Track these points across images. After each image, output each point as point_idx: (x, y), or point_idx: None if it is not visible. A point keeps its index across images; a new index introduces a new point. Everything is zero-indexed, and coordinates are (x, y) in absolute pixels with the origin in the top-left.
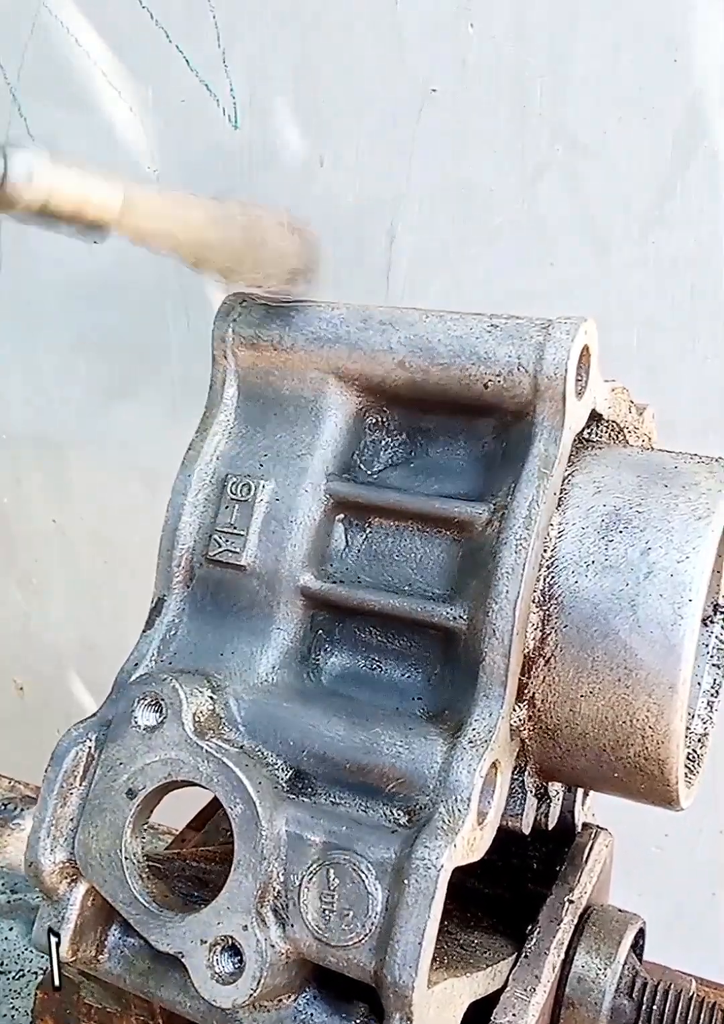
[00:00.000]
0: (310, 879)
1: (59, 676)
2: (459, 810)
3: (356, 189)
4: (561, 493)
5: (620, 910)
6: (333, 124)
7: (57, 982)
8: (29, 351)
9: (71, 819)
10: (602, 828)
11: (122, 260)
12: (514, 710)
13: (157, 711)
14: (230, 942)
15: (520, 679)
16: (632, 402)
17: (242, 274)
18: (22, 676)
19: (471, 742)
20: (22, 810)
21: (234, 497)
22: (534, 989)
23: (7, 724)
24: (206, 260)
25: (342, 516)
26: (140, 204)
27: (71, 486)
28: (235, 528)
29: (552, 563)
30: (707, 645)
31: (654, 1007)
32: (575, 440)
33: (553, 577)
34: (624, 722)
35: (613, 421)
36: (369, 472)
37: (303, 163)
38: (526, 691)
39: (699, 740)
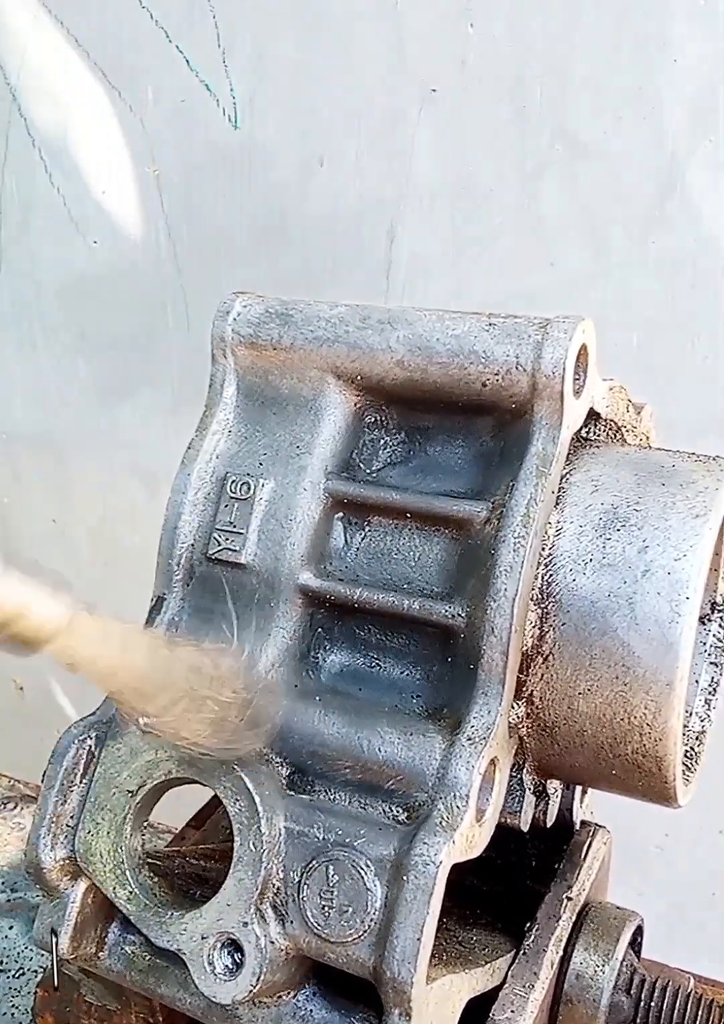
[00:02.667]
0: (309, 876)
1: (59, 676)
2: (458, 807)
3: (356, 189)
4: (559, 491)
5: (618, 907)
6: (333, 124)
7: (56, 981)
8: (29, 351)
9: (71, 817)
10: (600, 826)
11: (122, 260)
12: (512, 707)
13: None
14: (230, 939)
15: (518, 677)
16: (630, 401)
17: (167, 726)
18: (22, 676)
19: (470, 739)
20: (22, 809)
21: (234, 496)
22: (532, 986)
23: (7, 724)
24: (141, 700)
25: (341, 514)
26: (80, 633)
27: (71, 486)
28: (235, 526)
29: (550, 561)
30: (705, 643)
31: (652, 1004)
32: (573, 439)
33: (551, 575)
34: (622, 719)
35: (611, 420)
36: (368, 471)
37: (303, 163)
38: (524, 689)
39: (697, 738)
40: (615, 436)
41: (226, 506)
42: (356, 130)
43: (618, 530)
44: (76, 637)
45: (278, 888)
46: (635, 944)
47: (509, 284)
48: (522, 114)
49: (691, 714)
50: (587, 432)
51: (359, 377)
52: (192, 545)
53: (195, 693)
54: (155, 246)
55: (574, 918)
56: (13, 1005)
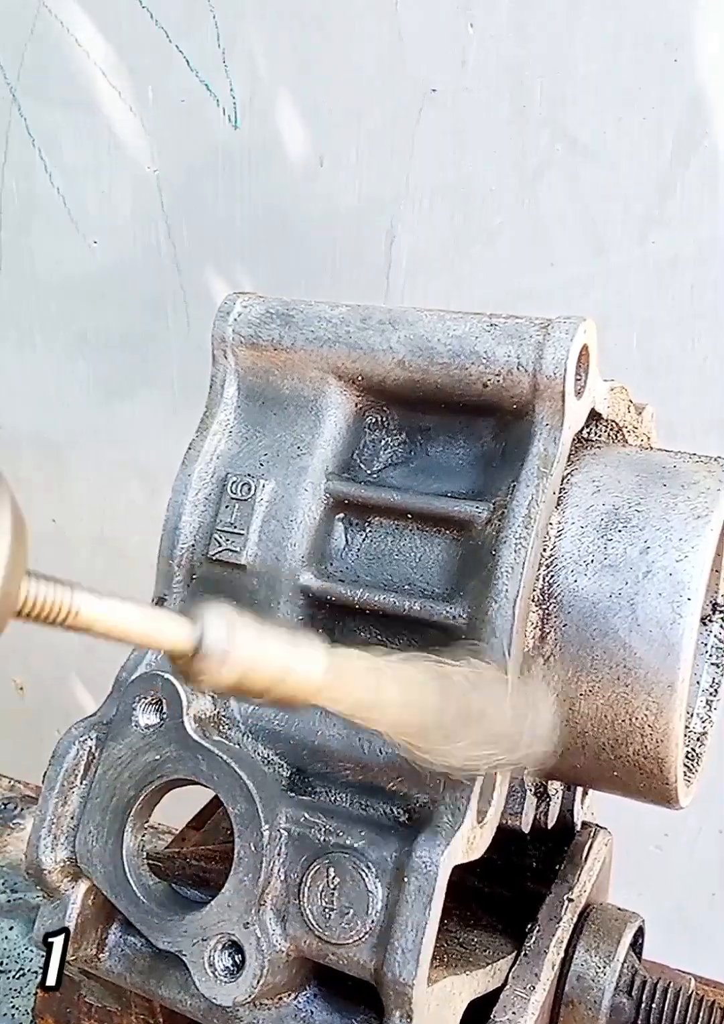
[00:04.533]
0: (310, 877)
1: (59, 676)
2: (459, 808)
3: (356, 189)
4: (560, 492)
5: (619, 909)
6: (333, 124)
7: (55, 981)
8: (29, 351)
9: (72, 818)
10: (601, 827)
11: (122, 260)
12: None
13: (158, 710)
14: (231, 940)
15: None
16: (631, 402)
17: (456, 757)
18: (22, 676)
19: None
20: (22, 810)
21: (234, 496)
22: (534, 987)
23: (7, 724)
24: (414, 734)
25: (342, 515)
26: (340, 679)
27: (71, 486)
28: (235, 527)
29: (551, 562)
30: (706, 644)
31: (653, 1005)
32: (574, 439)
33: (552, 576)
34: (623, 721)
35: (612, 420)
36: (369, 471)
37: (303, 163)
38: None
39: (698, 739)
40: (616, 437)
41: (227, 507)
42: (356, 130)
43: (620, 531)
44: (337, 689)
45: (279, 890)
46: (636, 945)
47: (509, 284)
48: (522, 114)
49: (692, 715)
50: (588, 433)
51: (360, 378)
52: (192, 546)
53: (467, 713)
54: (155, 246)
55: (575, 919)
56: (13, 1006)
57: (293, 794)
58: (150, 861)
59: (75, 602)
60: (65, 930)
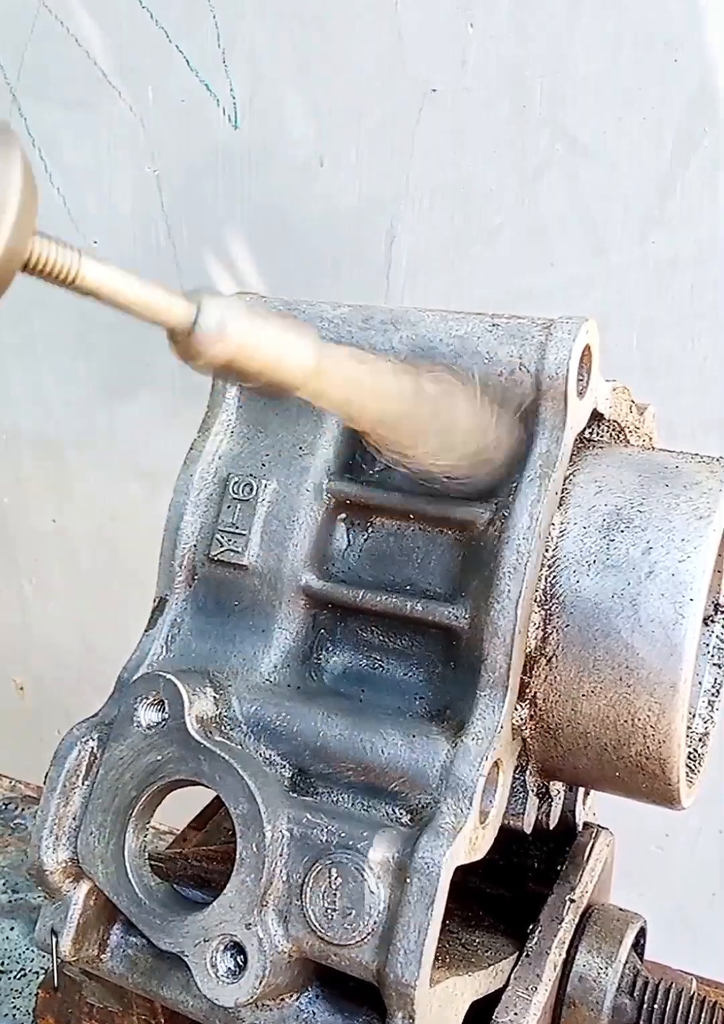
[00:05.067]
0: (312, 878)
1: (59, 676)
2: (461, 809)
3: (356, 189)
4: (563, 492)
5: (621, 909)
6: (333, 124)
7: (56, 982)
8: (29, 351)
9: (74, 818)
10: (603, 827)
11: (122, 260)
12: (516, 709)
13: (160, 710)
14: (233, 941)
15: (522, 678)
16: (633, 402)
17: (422, 455)
18: (22, 676)
19: (473, 741)
20: (23, 810)
21: (236, 497)
22: (536, 988)
23: (7, 724)
24: (387, 433)
25: (344, 516)
26: (330, 369)
27: (71, 486)
28: (237, 528)
29: (554, 562)
30: (708, 644)
31: (655, 1006)
32: (576, 440)
33: (555, 576)
34: (625, 721)
35: (614, 421)
36: (371, 472)
37: (303, 163)
38: (528, 690)
39: (700, 739)
40: (618, 437)
41: (228, 507)
42: (356, 130)
43: (622, 531)
44: (325, 375)
45: (281, 890)
46: (638, 946)
47: (509, 284)
48: (522, 114)
49: (694, 716)
50: (590, 433)
51: None
52: (194, 546)
53: (440, 417)
54: (155, 246)
55: (577, 920)
56: (14, 1006)
57: (295, 795)
58: (152, 862)
59: (82, 265)
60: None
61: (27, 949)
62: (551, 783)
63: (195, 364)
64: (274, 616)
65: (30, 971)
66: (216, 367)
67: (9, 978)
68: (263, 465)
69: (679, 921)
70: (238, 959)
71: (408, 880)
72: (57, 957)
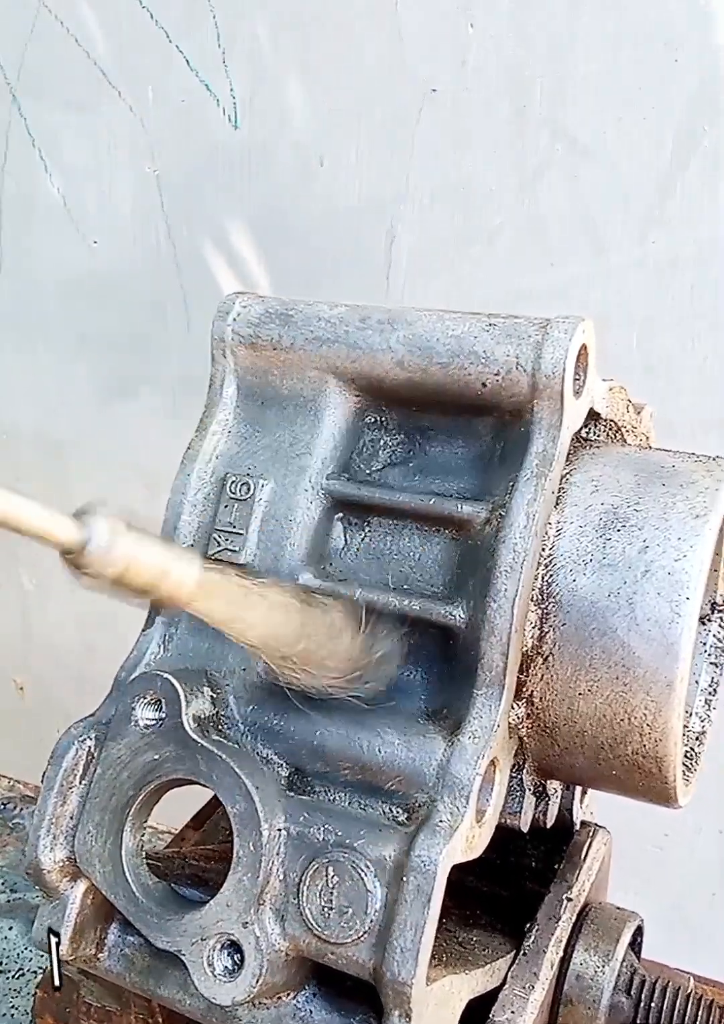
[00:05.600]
0: (309, 877)
1: (59, 676)
2: (458, 808)
3: (356, 189)
4: (559, 492)
5: (618, 908)
6: (333, 124)
7: (57, 981)
8: (29, 351)
9: (71, 817)
10: (600, 826)
11: (122, 260)
12: (512, 708)
13: (157, 709)
14: (230, 940)
15: (518, 677)
16: (630, 401)
17: (306, 669)
18: (22, 676)
19: (470, 740)
20: (22, 809)
21: (233, 496)
22: (533, 987)
23: (7, 724)
24: (275, 650)
25: (341, 515)
26: (213, 589)
27: (71, 486)
28: (234, 527)
29: (550, 561)
30: (705, 643)
31: (652, 1004)
32: (573, 439)
33: (551, 575)
34: (622, 720)
35: (611, 420)
36: (368, 471)
37: (303, 163)
38: (524, 689)
39: (697, 738)
40: (615, 436)
41: (226, 507)
42: (356, 130)
43: (618, 530)
44: (209, 594)
45: (278, 889)
46: (635, 945)
47: (509, 284)
48: (522, 114)
49: (691, 714)
50: (587, 432)
51: (359, 377)
52: (192, 546)
53: (323, 647)
54: (155, 246)
55: (574, 919)
56: (13, 1006)
57: (292, 793)
58: (149, 861)
59: None
60: (50, 931)
61: (25, 948)
62: (548, 782)
63: (84, 580)
64: None
65: (28, 970)
66: (103, 584)
67: (7, 977)
68: (260, 464)
69: (677, 920)
70: (235, 958)
71: (405, 878)
72: (55, 956)
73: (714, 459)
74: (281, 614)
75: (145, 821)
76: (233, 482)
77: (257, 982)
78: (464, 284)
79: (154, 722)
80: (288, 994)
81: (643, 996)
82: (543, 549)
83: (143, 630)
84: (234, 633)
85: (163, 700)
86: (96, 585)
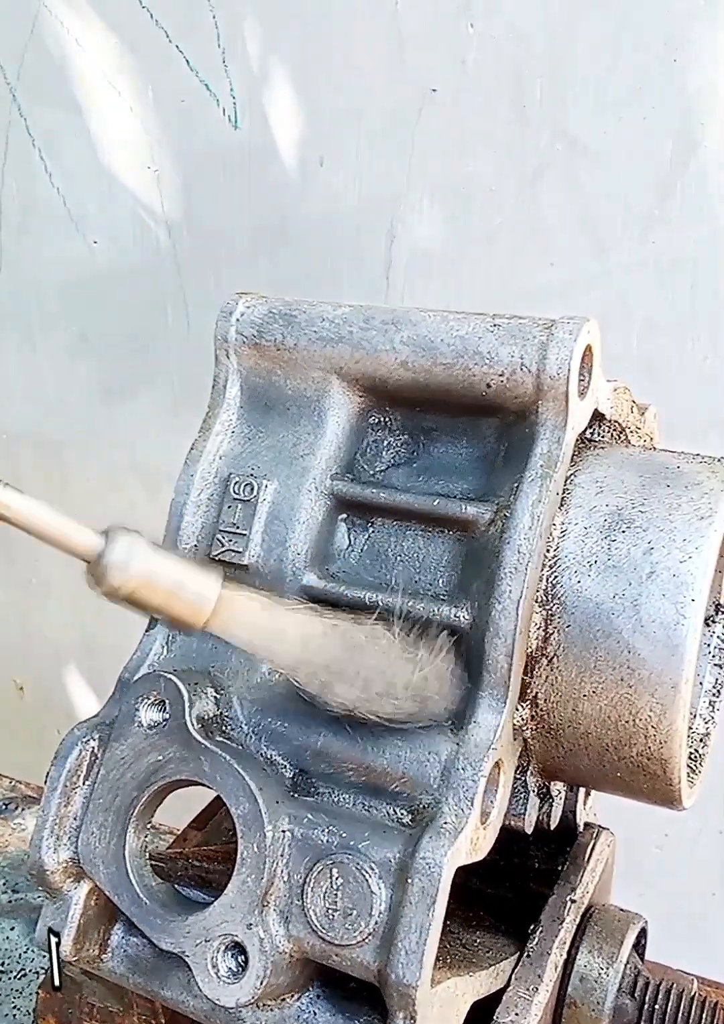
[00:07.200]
0: (313, 878)
1: (59, 676)
2: (462, 810)
3: (356, 189)
4: (564, 493)
5: (622, 910)
6: (333, 124)
7: (57, 981)
8: (29, 351)
9: (74, 818)
10: (604, 828)
11: (122, 260)
12: (517, 710)
13: (161, 710)
14: (234, 941)
15: (523, 679)
16: (634, 402)
17: (342, 690)
18: (22, 676)
19: (475, 742)
20: (23, 810)
21: (237, 497)
22: (537, 988)
23: (7, 724)
24: (301, 670)
25: (345, 516)
26: (233, 610)
27: (71, 486)
28: (238, 528)
29: (555, 563)
30: (709, 645)
31: (656, 1006)
32: (578, 440)
33: (556, 577)
34: (627, 721)
35: (615, 421)
36: (372, 472)
37: (303, 163)
38: (529, 691)
39: (701, 740)
40: (619, 437)
41: (229, 507)
42: (356, 130)
43: (623, 532)
44: (228, 614)
45: (282, 891)
46: (639, 946)
47: (509, 284)
48: (522, 114)
49: (695, 716)
50: (591, 433)
51: (363, 378)
52: (195, 547)
53: (355, 667)
54: (155, 246)
55: (578, 920)
56: (15, 1007)
57: (296, 795)
58: (153, 861)
59: (3, 496)
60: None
61: (28, 949)
62: (552, 783)
63: (101, 592)
64: None
65: (30, 971)
66: (121, 597)
67: (10, 978)
68: (264, 465)
69: (680, 921)
70: (239, 959)
71: (409, 880)
72: (58, 957)
73: (719, 460)
74: (311, 635)
75: (149, 822)
76: (237, 483)
77: (261, 984)
78: (464, 284)
79: (158, 723)
80: (292, 996)
81: (647, 998)
82: (548, 550)
83: (147, 630)
84: (261, 656)
85: (167, 701)
86: (115, 599)
